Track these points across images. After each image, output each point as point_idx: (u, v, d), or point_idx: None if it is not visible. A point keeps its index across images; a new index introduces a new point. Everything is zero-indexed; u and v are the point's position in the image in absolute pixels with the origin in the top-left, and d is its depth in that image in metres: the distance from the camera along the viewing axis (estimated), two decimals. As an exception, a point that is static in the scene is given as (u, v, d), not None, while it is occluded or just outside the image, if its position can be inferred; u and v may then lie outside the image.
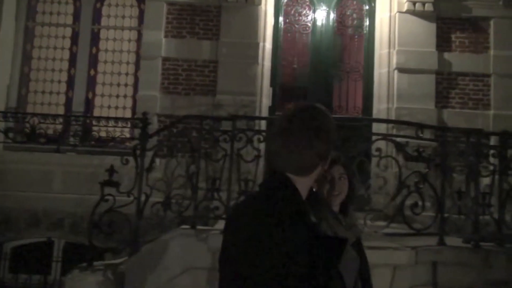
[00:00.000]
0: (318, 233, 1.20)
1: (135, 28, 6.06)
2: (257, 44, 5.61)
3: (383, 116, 5.64)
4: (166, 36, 5.69)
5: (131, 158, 3.70)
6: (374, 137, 4.07)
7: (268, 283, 1.10)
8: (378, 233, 3.65)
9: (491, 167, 3.93)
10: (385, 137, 4.13)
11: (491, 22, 5.74)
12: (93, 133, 5.53)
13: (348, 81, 6.01)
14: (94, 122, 5.60)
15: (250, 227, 1.15)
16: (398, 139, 4.00)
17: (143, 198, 3.72)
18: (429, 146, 3.98)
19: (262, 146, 3.80)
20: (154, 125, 4.98)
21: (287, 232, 1.11)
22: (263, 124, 4.76)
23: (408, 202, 3.69)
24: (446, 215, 3.72)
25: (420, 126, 3.78)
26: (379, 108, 5.75)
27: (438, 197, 3.66)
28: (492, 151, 3.94)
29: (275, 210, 1.14)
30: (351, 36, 6.03)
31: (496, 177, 3.88)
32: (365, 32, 6.01)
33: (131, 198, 3.63)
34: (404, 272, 3.46)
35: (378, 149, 3.70)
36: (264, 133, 3.83)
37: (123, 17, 6.11)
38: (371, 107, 5.86)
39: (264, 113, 5.60)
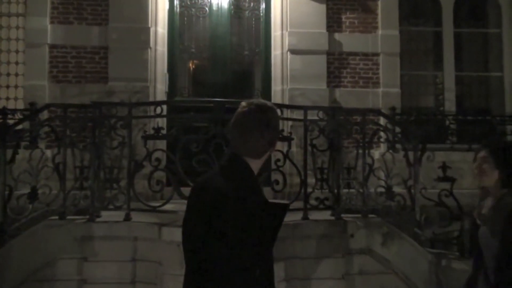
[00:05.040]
0: (267, 201, 1.52)
1: (22, 15, 5.77)
2: (148, 29, 5.51)
3: (278, 97, 5.75)
4: (52, 22, 5.47)
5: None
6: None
7: (231, 244, 1.40)
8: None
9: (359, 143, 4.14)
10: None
11: (379, 3, 5.94)
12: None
13: (247, 64, 6.06)
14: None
15: (216, 199, 1.43)
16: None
17: (7, 191, 3.63)
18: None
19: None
20: (44, 116, 4.82)
21: (246, 202, 1.43)
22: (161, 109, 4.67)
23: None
24: (309, 190, 3.89)
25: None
26: (275, 89, 5.86)
27: (300, 174, 3.81)
28: (355, 127, 4.14)
29: (235, 185, 1.45)
30: (248, 19, 6.05)
31: (360, 152, 4.09)
32: (261, 14, 6.04)
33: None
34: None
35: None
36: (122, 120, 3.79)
37: (9, 2, 5.80)
38: (269, 89, 5.95)
39: (160, 98, 5.54)
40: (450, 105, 6.18)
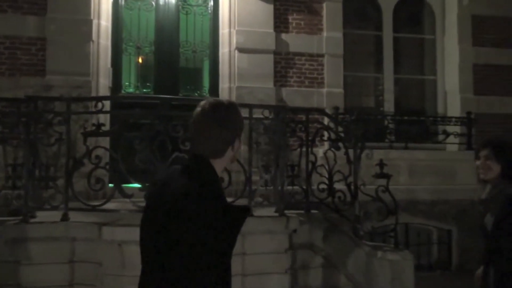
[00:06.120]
0: (229, 204, 1.47)
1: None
2: (90, 21, 5.29)
3: (226, 95, 5.76)
4: (-18, 10, 5.11)
5: None
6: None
7: (187, 250, 1.34)
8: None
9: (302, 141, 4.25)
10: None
11: (324, 5, 6.13)
12: None
13: (195, 61, 6.01)
14: None
15: (177, 202, 1.38)
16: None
17: None
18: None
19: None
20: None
21: (207, 204, 1.37)
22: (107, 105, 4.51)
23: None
24: (254, 187, 3.95)
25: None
26: (223, 87, 5.86)
27: (245, 171, 3.85)
28: (300, 126, 4.25)
29: (198, 187, 1.40)
30: (196, 15, 5.99)
31: (304, 150, 4.21)
32: (209, 11, 6.01)
33: None
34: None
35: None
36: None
37: None
38: (217, 87, 5.95)
39: (103, 93, 5.35)
40: (389, 106, 6.53)
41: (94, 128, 3.71)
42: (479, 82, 6.52)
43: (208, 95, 5.94)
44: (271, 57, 5.87)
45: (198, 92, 5.97)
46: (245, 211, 1.49)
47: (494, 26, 6.67)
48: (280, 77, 5.95)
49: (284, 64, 5.98)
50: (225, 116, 1.48)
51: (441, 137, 6.25)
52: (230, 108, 1.51)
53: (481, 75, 6.54)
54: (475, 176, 2.84)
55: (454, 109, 6.52)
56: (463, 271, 5.71)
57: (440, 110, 6.71)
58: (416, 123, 6.35)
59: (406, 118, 6.34)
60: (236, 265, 3.69)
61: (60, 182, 3.76)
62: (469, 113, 6.27)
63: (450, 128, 6.22)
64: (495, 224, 2.37)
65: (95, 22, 5.35)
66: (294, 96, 5.91)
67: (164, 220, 1.39)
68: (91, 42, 5.30)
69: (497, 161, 2.44)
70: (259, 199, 4.03)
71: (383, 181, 4.11)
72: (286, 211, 3.95)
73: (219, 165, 1.49)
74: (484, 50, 6.59)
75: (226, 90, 5.80)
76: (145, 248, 1.48)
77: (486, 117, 6.41)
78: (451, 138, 6.16)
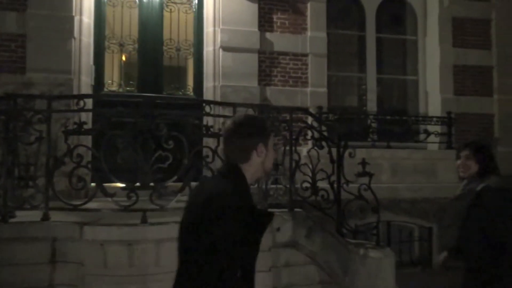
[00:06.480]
0: (255, 205, 1.68)
1: None
2: (72, 18, 5.21)
3: (210, 93, 5.75)
4: (-41, 5, 4.98)
5: None
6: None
7: (223, 242, 1.50)
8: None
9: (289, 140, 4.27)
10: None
11: (308, 5, 6.17)
12: None
13: (179, 59, 5.97)
14: None
15: (208, 198, 1.57)
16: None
17: None
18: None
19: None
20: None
21: (234, 201, 1.55)
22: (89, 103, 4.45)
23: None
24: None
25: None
26: (208, 86, 5.85)
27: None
28: (283, 125, 4.27)
29: (227, 187, 1.59)
30: (180, 13, 5.96)
31: (287, 149, 4.23)
32: (194, 10, 5.99)
33: None
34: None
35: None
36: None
37: None
38: (202, 85, 5.93)
39: (85, 91, 5.28)
40: (372, 106, 6.62)
41: (75, 126, 3.66)
42: (459, 83, 6.67)
43: (192, 93, 5.92)
44: (255, 56, 5.88)
45: (182, 90, 5.93)
46: (270, 215, 1.70)
47: (473, 28, 6.83)
48: (265, 76, 5.97)
49: (268, 63, 6.00)
50: (241, 127, 1.73)
51: (422, 136, 6.36)
52: (246, 120, 1.78)
53: (461, 76, 6.69)
54: (455, 174, 3.00)
55: (435, 108, 6.65)
56: (444, 267, 5.84)
57: (421, 109, 6.83)
58: (398, 123, 6.46)
59: (388, 117, 6.44)
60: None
61: (41, 181, 3.69)
62: (449, 113, 6.40)
63: (431, 128, 6.34)
64: (467, 217, 2.67)
65: (77, 18, 5.27)
66: (278, 95, 5.94)
67: (195, 216, 1.58)
68: (73, 39, 5.22)
69: (476, 161, 2.73)
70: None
71: (365, 180, 4.17)
72: (269, 210, 3.97)
73: (247, 168, 1.70)
74: (464, 51, 6.74)
75: (210, 89, 5.79)
76: (179, 245, 1.65)
77: (466, 117, 6.56)
78: (432, 138, 6.28)
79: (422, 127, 6.48)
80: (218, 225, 1.51)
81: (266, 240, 3.91)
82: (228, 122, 1.79)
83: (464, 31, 6.77)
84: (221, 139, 1.79)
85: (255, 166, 1.71)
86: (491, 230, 2.53)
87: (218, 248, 1.49)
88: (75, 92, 5.13)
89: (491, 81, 6.80)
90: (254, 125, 1.75)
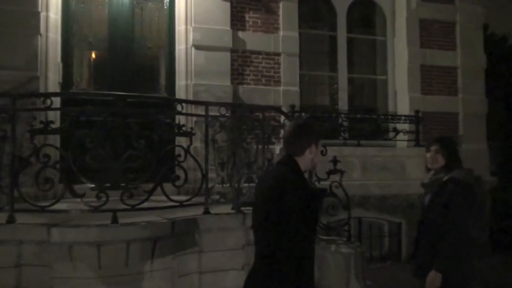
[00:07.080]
0: (309, 186, 2.26)
1: None
2: (38, 13, 5.04)
3: (182, 92, 5.70)
4: None
5: None
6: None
7: (289, 215, 2.05)
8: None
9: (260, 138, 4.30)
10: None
11: (280, 5, 6.22)
12: None
13: (150, 57, 5.89)
14: None
15: (274, 185, 2.12)
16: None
17: None
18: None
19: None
20: None
21: (296, 187, 2.10)
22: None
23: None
24: (211, 184, 3.94)
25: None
26: (180, 84, 5.80)
27: (201, 169, 3.83)
28: (256, 124, 4.30)
29: (286, 172, 2.16)
30: (152, 10, 5.88)
31: (260, 147, 4.26)
32: (165, 7, 5.92)
33: None
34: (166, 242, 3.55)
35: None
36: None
37: None
38: (174, 84, 5.87)
39: (53, 90, 5.13)
40: (343, 104, 6.74)
41: (42, 125, 3.55)
42: (425, 82, 6.89)
43: (164, 92, 5.85)
44: (228, 54, 5.87)
45: (154, 89, 5.85)
46: (323, 191, 2.27)
47: (439, 30, 7.07)
48: (237, 75, 5.97)
49: (241, 62, 6.00)
50: (300, 129, 2.28)
51: (391, 134, 6.54)
52: (304, 125, 2.37)
53: (428, 76, 6.91)
54: (423, 171, 3.16)
55: (404, 107, 6.84)
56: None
57: (390, 108, 7.01)
58: (368, 121, 6.61)
59: (359, 116, 6.58)
60: (192, 262, 3.71)
61: (5, 182, 3.56)
62: (417, 111, 6.60)
63: (400, 126, 6.52)
64: (431, 200, 3.00)
65: (43, 14, 5.11)
66: (251, 94, 5.96)
67: (262, 197, 2.14)
68: (39, 36, 5.06)
69: (443, 154, 3.01)
70: (216, 197, 4.03)
71: (337, 177, 4.25)
72: (243, 208, 3.98)
73: (301, 161, 2.23)
74: (430, 52, 6.97)
75: (183, 88, 5.74)
76: (253, 229, 2.22)
77: (432, 115, 6.78)
78: (401, 135, 6.46)
79: (391, 125, 6.65)
80: (291, 195, 2.05)
81: (239, 239, 3.94)
82: (291, 124, 2.42)
83: (430, 33, 7.00)
84: (284, 137, 2.35)
85: (306, 160, 2.24)
86: (451, 214, 2.80)
87: (294, 210, 2.03)
88: (41, 90, 4.98)
89: (456, 81, 7.06)
90: (310, 129, 2.29)
